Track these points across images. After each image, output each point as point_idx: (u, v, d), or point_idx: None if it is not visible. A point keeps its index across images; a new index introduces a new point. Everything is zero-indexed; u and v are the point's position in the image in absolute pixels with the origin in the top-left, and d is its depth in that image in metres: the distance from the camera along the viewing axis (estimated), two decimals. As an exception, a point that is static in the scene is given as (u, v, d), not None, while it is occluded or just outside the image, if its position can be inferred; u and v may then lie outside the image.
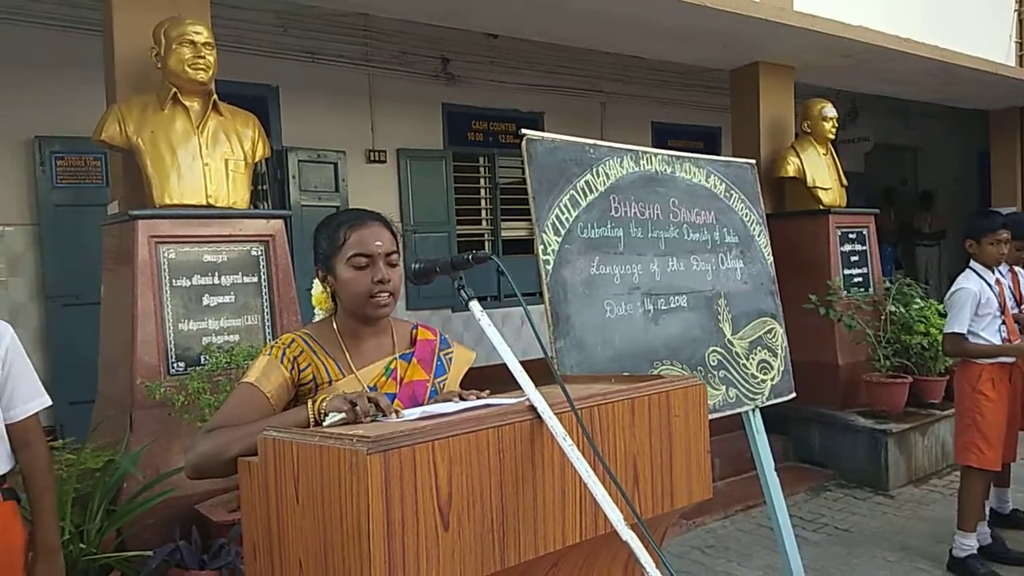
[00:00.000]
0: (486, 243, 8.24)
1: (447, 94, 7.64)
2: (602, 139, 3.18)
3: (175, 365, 3.42)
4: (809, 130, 6.36)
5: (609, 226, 3.01)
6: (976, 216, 4.14)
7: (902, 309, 5.89)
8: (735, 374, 3.33)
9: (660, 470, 1.49)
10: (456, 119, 7.81)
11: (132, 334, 3.34)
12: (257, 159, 3.81)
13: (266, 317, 3.69)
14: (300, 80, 6.65)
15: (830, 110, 6.33)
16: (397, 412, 1.58)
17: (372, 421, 1.56)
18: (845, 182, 6.51)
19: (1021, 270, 4.27)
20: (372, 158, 7.21)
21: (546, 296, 2.78)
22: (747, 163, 3.68)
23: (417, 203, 7.44)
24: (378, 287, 1.82)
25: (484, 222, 8.26)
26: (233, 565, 2.89)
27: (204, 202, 3.56)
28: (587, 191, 2.97)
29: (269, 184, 6.56)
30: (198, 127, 3.60)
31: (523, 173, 2.84)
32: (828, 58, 6.59)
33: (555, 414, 1.32)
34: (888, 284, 6.25)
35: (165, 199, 3.49)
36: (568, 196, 2.90)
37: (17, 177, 5.59)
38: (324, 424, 1.57)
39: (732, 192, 3.52)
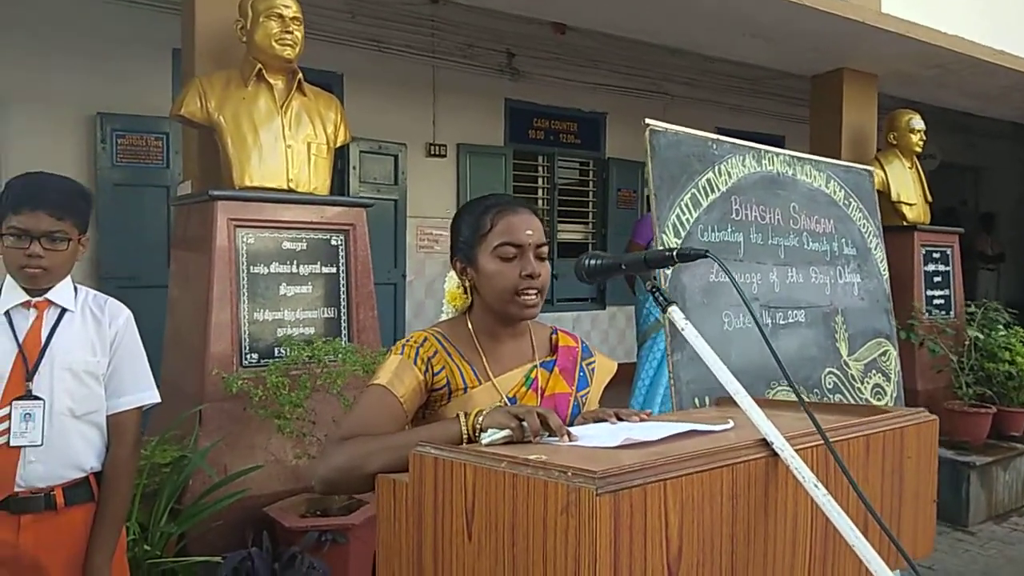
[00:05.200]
0: (540, 245, 8.00)
1: (510, 90, 7.43)
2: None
3: (248, 356, 3.20)
4: (895, 142, 6.05)
5: (729, 230, 2.76)
6: None
7: (986, 335, 5.56)
8: (850, 399, 3.05)
9: (888, 521, 1.24)
10: (518, 116, 7.59)
11: (205, 321, 3.13)
12: (338, 144, 3.59)
13: (342, 311, 3.46)
14: (365, 69, 6.47)
15: (918, 122, 6.01)
16: (569, 434, 1.34)
17: (540, 443, 1.33)
18: (930, 198, 6.19)
19: None
20: (432, 152, 7.01)
21: (664, 304, 2.53)
22: (866, 169, 3.41)
23: (475, 200, 7.21)
24: (526, 282, 1.58)
25: (540, 223, 8.02)
26: (308, 578, 2.67)
27: (285, 186, 3.35)
28: (708, 190, 2.71)
29: (328, 173, 6.38)
30: (282, 107, 3.39)
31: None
32: (916, 67, 6.28)
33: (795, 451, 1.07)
34: (973, 308, 5.92)
35: (245, 181, 3.27)
36: (689, 195, 2.65)
37: (77, 153, 5.44)
38: (483, 442, 1.34)
39: (851, 200, 3.25)
